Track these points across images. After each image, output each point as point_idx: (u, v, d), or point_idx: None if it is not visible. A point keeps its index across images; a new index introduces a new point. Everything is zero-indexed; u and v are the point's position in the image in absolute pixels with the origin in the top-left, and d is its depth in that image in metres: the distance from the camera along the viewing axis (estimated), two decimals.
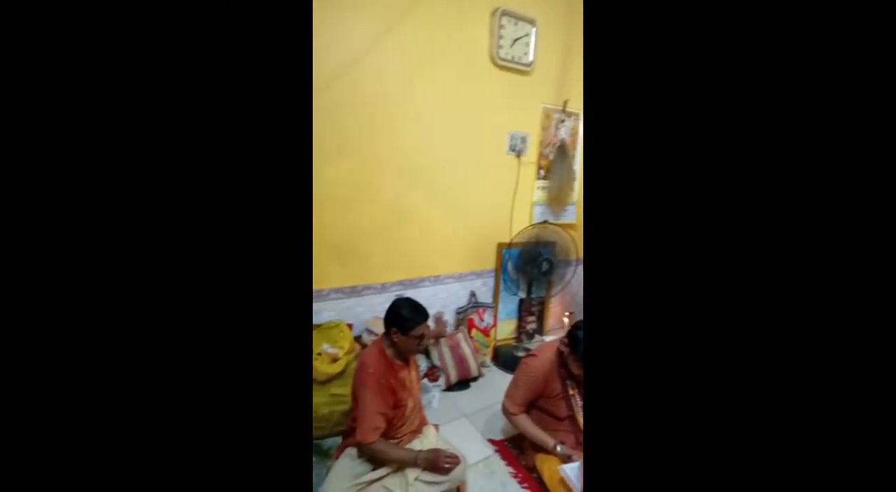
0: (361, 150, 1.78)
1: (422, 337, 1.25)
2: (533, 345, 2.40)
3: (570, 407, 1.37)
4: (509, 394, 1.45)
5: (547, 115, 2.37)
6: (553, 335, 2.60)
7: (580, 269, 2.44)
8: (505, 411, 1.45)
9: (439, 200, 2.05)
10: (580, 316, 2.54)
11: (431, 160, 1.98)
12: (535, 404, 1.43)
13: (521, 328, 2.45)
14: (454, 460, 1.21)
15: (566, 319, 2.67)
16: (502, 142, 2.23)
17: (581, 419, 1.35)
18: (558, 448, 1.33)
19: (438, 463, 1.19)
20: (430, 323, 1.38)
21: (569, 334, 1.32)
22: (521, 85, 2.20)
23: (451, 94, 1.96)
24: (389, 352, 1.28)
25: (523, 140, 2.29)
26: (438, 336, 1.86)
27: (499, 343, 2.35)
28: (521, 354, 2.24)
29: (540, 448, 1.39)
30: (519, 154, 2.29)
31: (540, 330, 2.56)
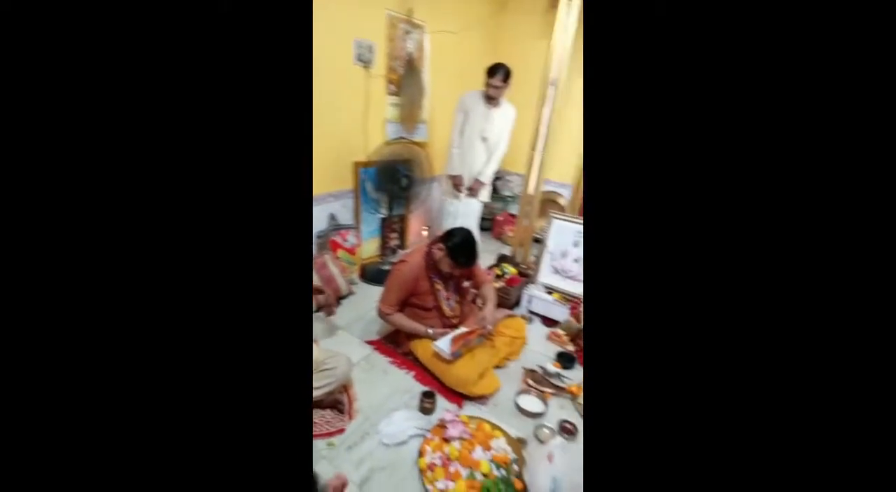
0: None
1: None
2: (396, 259, 2.57)
3: (436, 299, 1.60)
4: (383, 298, 1.59)
5: (392, 25, 2.25)
6: None
7: (434, 185, 2.63)
8: (380, 313, 1.61)
9: None
10: (437, 229, 2.81)
11: None
12: (406, 302, 1.61)
13: (385, 245, 2.57)
14: None
15: (425, 233, 2.91)
16: (348, 50, 2.05)
17: (446, 309, 1.62)
18: (430, 331, 1.57)
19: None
20: None
21: (444, 240, 1.52)
22: None
23: None
24: None
25: (370, 50, 2.15)
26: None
27: (364, 261, 2.43)
28: (387, 268, 2.38)
29: (413, 336, 1.62)
30: (367, 65, 2.15)
31: (402, 245, 2.73)
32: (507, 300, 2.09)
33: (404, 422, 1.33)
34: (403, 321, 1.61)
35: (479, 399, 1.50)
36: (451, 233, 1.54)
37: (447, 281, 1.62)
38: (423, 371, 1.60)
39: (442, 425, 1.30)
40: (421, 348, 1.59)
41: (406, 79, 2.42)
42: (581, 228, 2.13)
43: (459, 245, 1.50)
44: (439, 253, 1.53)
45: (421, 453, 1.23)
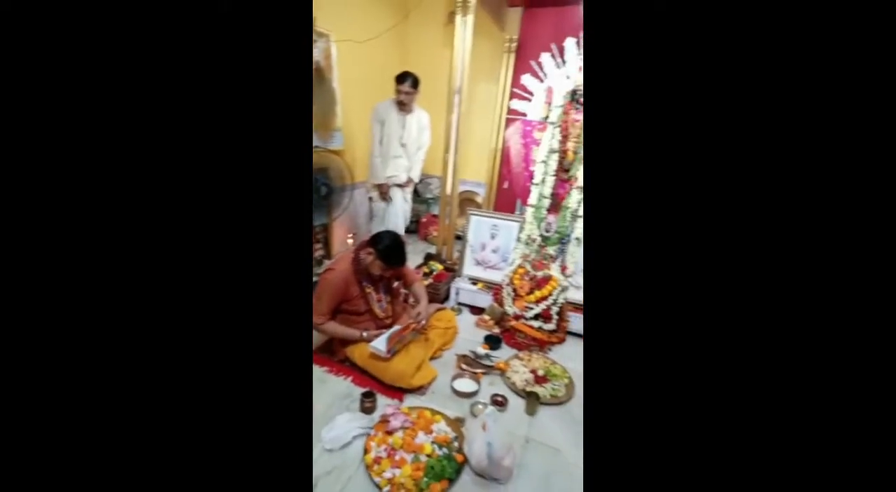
0: None
1: None
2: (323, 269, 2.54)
3: (367, 303, 1.65)
4: (314, 308, 1.58)
5: None
6: None
7: (356, 192, 2.65)
8: (314, 325, 1.60)
9: None
10: (363, 235, 2.83)
11: None
12: (337, 309, 1.63)
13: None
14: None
15: (350, 241, 2.91)
16: None
17: (378, 311, 1.67)
18: (364, 334, 1.61)
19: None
20: None
21: (373, 244, 1.58)
22: None
23: None
24: None
25: None
26: None
27: None
28: (315, 279, 2.35)
29: (348, 342, 1.65)
30: None
31: (328, 255, 2.70)
32: (437, 295, 2.22)
33: (346, 424, 1.36)
34: (337, 329, 1.63)
35: (418, 390, 1.59)
36: (380, 236, 1.59)
37: (377, 283, 1.67)
38: (360, 374, 1.64)
39: (384, 420, 1.37)
40: (357, 352, 1.62)
41: (316, 88, 2.40)
42: (495, 221, 2.34)
43: (389, 247, 1.57)
44: (369, 257, 1.58)
45: (366, 450, 1.28)
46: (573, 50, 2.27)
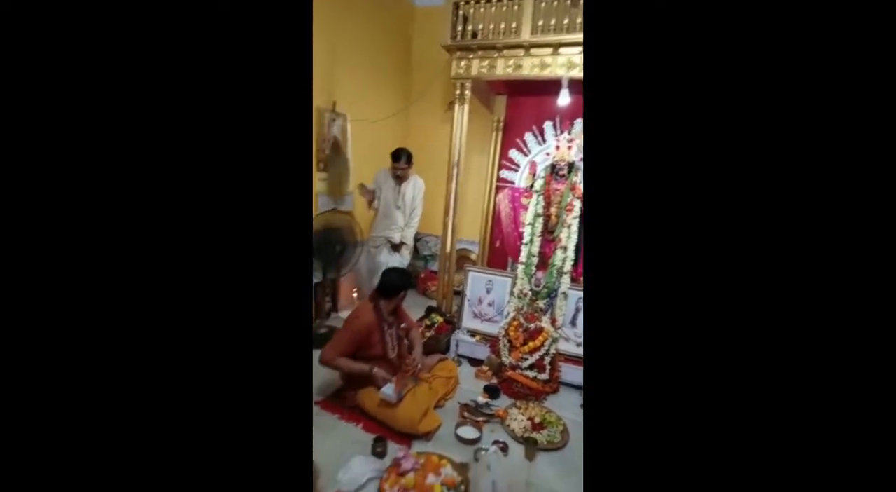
0: None
1: None
2: (332, 322, 2.68)
3: (384, 348, 1.83)
4: (331, 344, 1.74)
5: (320, 114, 2.62)
6: (346, 311, 2.96)
7: (364, 249, 2.88)
8: (324, 358, 1.73)
9: None
10: (367, 291, 3.01)
11: None
12: (353, 355, 1.78)
13: (319, 309, 2.67)
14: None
15: (355, 294, 3.08)
16: None
17: (391, 354, 1.85)
18: (374, 370, 1.74)
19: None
20: None
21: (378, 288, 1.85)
22: None
23: None
24: None
25: None
26: None
27: None
28: (323, 331, 2.48)
29: (359, 386, 1.77)
30: None
31: (335, 308, 2.86)
32: (438, 346, 2.37)
33: (361, 467, 1.45)
34: (348, 364, 1.75)
35: (425, 436, 1.69)
36: (381, 277, 1.88)
37: (391, 328, 1.87)
38: (369, 421, 1.74)
39: (397, 463, 1.46)
40: (368, 398, 1.74)
41: (332, 158, 2.75)
42: (490, 276, 2.58)
43: (388, 273, 1.86)
44: (381, 299, 1.81)
45: (380, 491, 1.36)
46: (551, 131, 2.71)
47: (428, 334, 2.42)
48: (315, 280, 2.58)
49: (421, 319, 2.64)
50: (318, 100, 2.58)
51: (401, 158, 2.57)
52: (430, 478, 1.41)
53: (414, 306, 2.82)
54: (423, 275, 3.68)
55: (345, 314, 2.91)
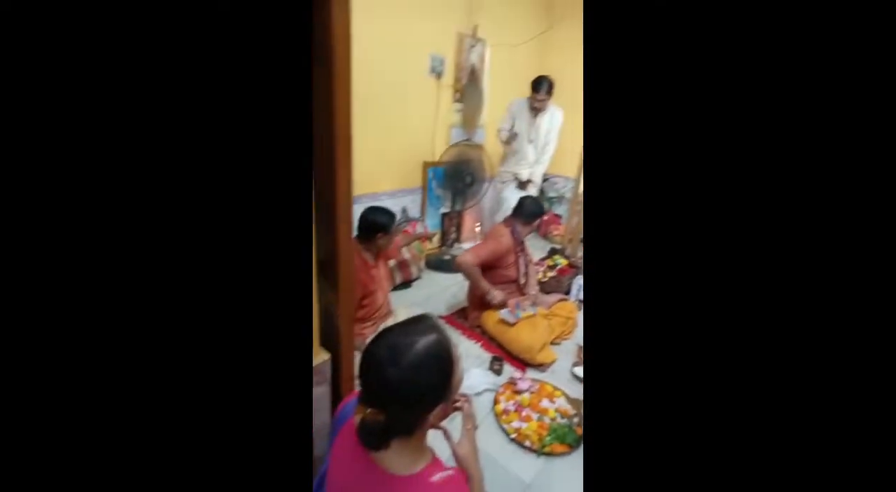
0: None
1: (391, 238, 1.61)
2: (455, 252, 2.85)
3: (517, 270, 1.89)
4: (472, 252, 1.82)
5: (461, 40, 2.54)
6: (468, 243, 3.09)
7: (491, 185, 2.89)
8: (462, 261, 1.80)
9: (372, 121, 2.14)
10: (487, 226, 3.06)
11: (363, 82, 2.02)
12: (486, 273, 1.85)
13: (445, 237, 2.85)
14: None
15: (477, 229, 3.17)
16: (424, 63, 2.35)
17: (521, 277, 1.91)
18: (494, 292, 1.81)
19: None
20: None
21: (517, 214, 1.89)
22: (435, 6, 2.29)
23: (378, 12, 1.97)
24: (364, 254, 1.55)
25: (441, 62, 2.45)
26: (418, 239, 2.28)
27: (428, 252, 2.73)
28: (447, 258, 2.66)
29: (480, 307, 1.88)
30: (439, 76, 2.45)
31: (458, 239, 3.00)
32: (560, 287, 2.31)
33: (479, 377, 1.59)
34: (479, 276, 1.80)
35: (539, 366, 1.73)
36: (519, 204, 1.89)
37: (522, 254, 1.92)
38: (489, 342, 1.86)
39: (512, 382, 1.55)
40: (489, 319, 1.85)
41: (469, 88, 2.70)
42: None
43: (527, 200, 1.89)
44: (520, 227, 1.85)
45: (496, 402, 1.48)
46: None
47: (550, 275, 2.37)
48: (444, 210, 2.72)
49: (543, 260, 2.59)
50: (459, 25, 2.48)
51: (541, 88, 2.36)
52: (545, 402, 1.46)
53: (535, 249, 2.76)
54: (546, 217, 3.54)
55: (467, 245, 3.05)
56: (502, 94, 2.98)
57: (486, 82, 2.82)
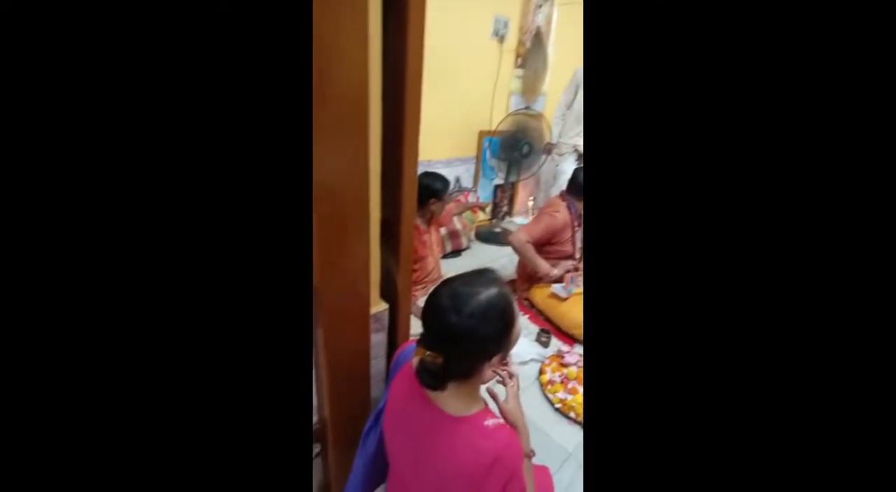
0: None
1: (443, 205, 1.63)
2: (506, 225, 2.81)
3: (573, 246, 1.83)
4: (526, 228, 1.79)
5: (527, 1, 2.39)
6: (520, 217, 3.03)
7: (547, 157, 2.77)
8: (515, 237, 1.76)
9: (429, 86, 2.11)
10: (541, 201, 2.97)
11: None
12: (541, 249, 1.82)
13: (496, 210, 2.82)
14: None
15: (530, 203, 3.09)
16: (487, 25, 2.25)
17: (578, 253, 1.86)
18: (550, 270, 1.76)
19: None
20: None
21: (571, 189, 1.82)
22: None
23: None
24: (417, 219, 1.58)
25: (506, 25, 2.33)
26: (470, 208, 2.30)
27: (478, 223, 2.72)
28: (497, 230, 2.64)
29: (530, 281, 1.86)
30: (502, 39, 2.34)
31: (510, 212, 2.95)
32: None
33: (526, 347, 1.60)
34: (532, 252, 1.76)
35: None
36: (573, 177, 1.81)
37: (578, 228, 1.85)
38: (536, 315, 1.84)
39: (560, 355, 1.54)
40: (539, 293, 1.83)
41: (532, 52, 2.56)
42: None
43: (582, 172, 1.77)
44: (574, 197, 1.78)
45: (541, 372, 1.48)
46: None
47: None
48: (497, 182, 2.67)
49: None
50: None
51: None
52: None
53: None
54: None
55: (519, 220, 2.99)
56: (568, 59, 2.79)
57: (552, 46, 2.65)
